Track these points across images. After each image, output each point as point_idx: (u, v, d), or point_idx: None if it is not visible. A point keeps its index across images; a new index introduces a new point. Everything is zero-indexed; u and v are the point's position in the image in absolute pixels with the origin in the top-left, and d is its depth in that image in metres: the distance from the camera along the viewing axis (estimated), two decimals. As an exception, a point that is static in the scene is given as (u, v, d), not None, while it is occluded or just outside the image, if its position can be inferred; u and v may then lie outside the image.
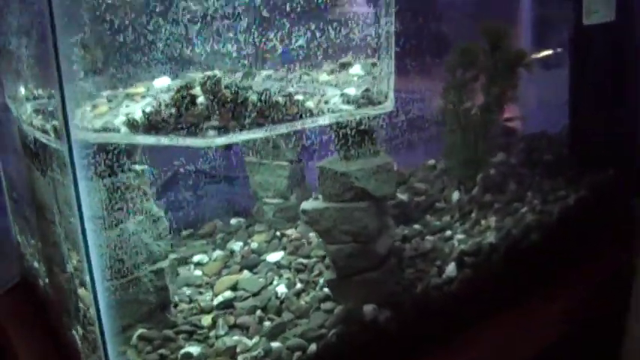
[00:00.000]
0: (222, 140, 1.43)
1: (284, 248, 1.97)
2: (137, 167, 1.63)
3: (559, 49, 2.47)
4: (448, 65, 2.06)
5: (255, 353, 1.55)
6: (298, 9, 1.60)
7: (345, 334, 1.63)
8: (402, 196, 2.13)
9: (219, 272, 1.88)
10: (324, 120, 1.54)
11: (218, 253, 1.97)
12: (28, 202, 1.81)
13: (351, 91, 1.61)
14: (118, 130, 1.48)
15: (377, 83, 1.63)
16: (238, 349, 1.57)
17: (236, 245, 2.00)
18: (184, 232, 2.09)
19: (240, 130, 1.44)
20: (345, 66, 1.74)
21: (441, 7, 2.31)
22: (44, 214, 1.65)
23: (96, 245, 1.40)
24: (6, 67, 1.75)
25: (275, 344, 1.59)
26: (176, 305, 1.74)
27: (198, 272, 1.90)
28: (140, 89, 1.69)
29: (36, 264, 1.88)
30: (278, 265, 1.89)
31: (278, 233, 2.04)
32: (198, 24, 1.62)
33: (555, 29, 2.52)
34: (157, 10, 1.56)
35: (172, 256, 1.70)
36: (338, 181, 1.61)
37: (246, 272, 1.87)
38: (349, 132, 1.58)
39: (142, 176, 1.63)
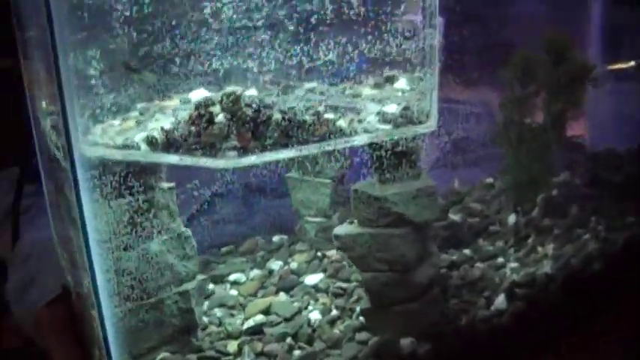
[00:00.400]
0: (241, 162, 1.29)
1: (324, 270, 1.81)
2: (164, 185, 1.51)
3: (632, 61, 2.24)
4: (506, 78, 1.86)
5: (280, 386, 1.42)
6: (342, 21, 1.46)
7: (379, 368, 1.49)
8: (455, 217, 1.94)
9: (255, 293, 1.74)
10: (358, 141, 1.38)
11: (256, 272, 1.84)
12: (59, 217, 1.72)
13: (391, 109, 1.44)
14: (138, 148, 1.36)
15: (420, 100, 1.46)
16: (263, 381, 1.44)
17: (275, 264, 1.86)
18: (224, 249, 1.96)
19: (262, 150, 1.30)
20: (389, 80, 1.58)
21: (500, 15, 2.12)
22: (67, 230, 1.55)
23: (102, 269, 1.28)
24: (33, 79, 1.65)
25: (303, 376, 1.45)
26: (205, 328, 1.61)
27: (234, 292, 1.76)
28: (174, 102, 1.56)
29: (69, 278, 1.79)
30: (316, 289, 1.74)
31: (319, 254, 1.89)
32: (239, 35, 1.49)
33: (628, 38, 2.29)
34: (194, 19, 1.44)
35: (200, 277, 1.57)
36: (373, 205, 1.45)
37: (282, 294, 1.72)
38: (385, 154, 1.42)
39: (168, 194, 1.51)
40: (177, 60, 1.47)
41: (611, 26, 2.28)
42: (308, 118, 1.33)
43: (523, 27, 2.31)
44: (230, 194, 1.97)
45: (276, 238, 1.99)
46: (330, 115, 1.36)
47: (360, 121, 1.39)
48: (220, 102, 1.30)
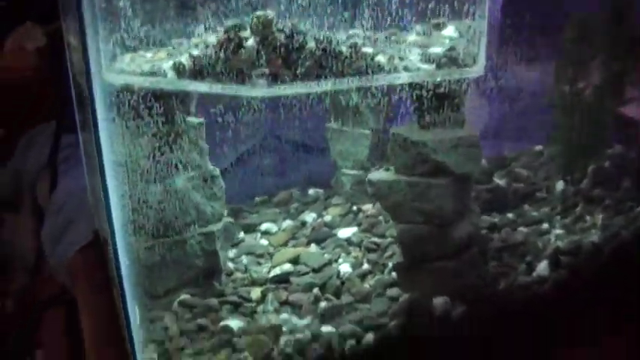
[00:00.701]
0: (270, 90, 1.17)
1: (359, 224, 1.69)
2: (193, 119, 1.41)
3: None
4: (563, 38, 1.71)
5: (300, 336, 1.30)
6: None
7: (408, 326, 1.35)
8: (500, 181, 1.80)
9: (286, 243, 1.63)
10: (398, 79, 1.25)
11: (288, 223, 1.73)
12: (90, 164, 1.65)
13: (435, 50, 1.32)
14: (164, 75, 1.26)
15: (467, 45, 1.33)
16: (284, 329, 1.32)
17: (309, 217, 1.75)
18: (258, 199, 1.86)
19: (293, 80, 1.18)
20: (437, 27, 1.45)
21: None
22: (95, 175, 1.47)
23: (118, 199, 1.18)
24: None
25: (327, 328, 1.33)
26: (230, 274, 1.51)
27: (264, 241, 1.66)
28: (211, 37, 1.47)
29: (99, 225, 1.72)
30: (348, 242, 1.62)
31: (354, 207, 1.76)
32: None
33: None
34: None
35: (227, 219, 1.47)
36: (411, 150, 1.32)
37: (313, 246, 1.62)
38: (426, 94, 1.29)
39: (197, 129, 1.41)
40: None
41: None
42: (344, 49, 1.21)
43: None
44: (268, 147, 1.89)
45: (311, 192, 1.88)
46: (368, 49, 1.24)
47: (401, 59, 1.26)
48: (251, 26, 1.19)
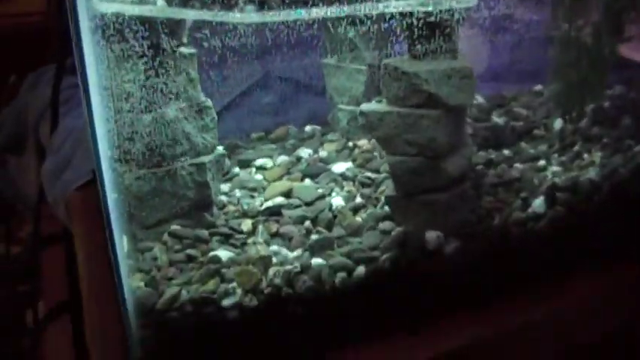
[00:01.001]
0: (259, 17, 1.12)
1: (354, 160, 1.64)
2: (184, 49, 1.36)
3: None
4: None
5: (290, 267, 1.27)
6: None
7: (400, 260, 1.31)
8: (498, 119, 1.75)
9: (280, 178, 1.59)
10: (389, 7, 1.20)
11: (283, 158, 1.68)
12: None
13: (429, -20, 1.26)
14: (154, 3, 1.21)
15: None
16: (274, 260, 1.29)
17: (304, 152, 1.70)
18: (255, 135, 1.81)
19: (283, 7, 1.13)
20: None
21: None
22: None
23: (102, 118, 1.14)
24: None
25: (317, 260, 1.29)
26: (223, 207, 1.47)
27: (259, 176, 1.62)
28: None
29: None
30: (343, 177, 1.57)
31: (350, 143, 1.72)
32: None
33: None
34: None
35: (219, 151, 1.43)
36: (403, 81, 1.27)
37: (307, 181, 1.57)
38: (417, 22, 1.23)
39: (189, 59, 1.36)
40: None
41: None
42: (335, -25, 1.16)
43: None
44: (267, 85, 1.84)
45: (308, 128, 1.84)
46: (360, -24, 1.18)
47: (393, -14, 1.21)
48: (239, -52, 1.14)
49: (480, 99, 1.84)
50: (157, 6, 1.21)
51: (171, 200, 1.36)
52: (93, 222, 1.60)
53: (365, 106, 1.33)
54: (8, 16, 2.59)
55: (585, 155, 1.61)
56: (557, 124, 1.72)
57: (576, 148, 1.64)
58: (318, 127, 1.83)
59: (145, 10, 1.22)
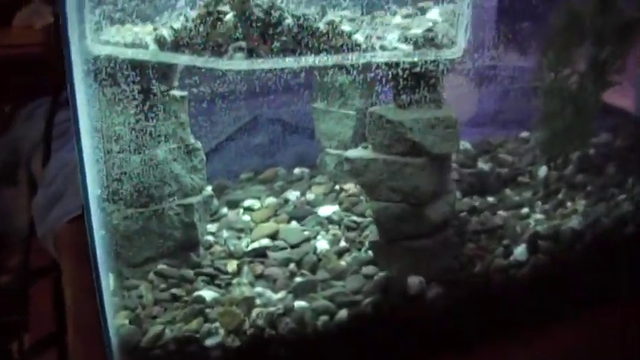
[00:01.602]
0: (248, 64, 1.17)
1: (340, 203, 1.67)
2: (176, 92, 1.40)
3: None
4: (550, 25, 1.68)
5: (273, 309, 1.30)
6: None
7: (382, 304, 1.34)
8: (484, 166, 1.79)
9: (267, 219, 1.62)
10: (375, 57, 1.24)
11: (271, 200, 1.71)
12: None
13: (414, 31, 1.30)
14: (146, 46, 1.25)
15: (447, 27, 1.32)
16: (258, 302, 1.32)
17: (292, 195, 1.73)
18: (244, 176, 1.84)
19: (272, 55, 1.17)
20: (422, 10, 1.44)
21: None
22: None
23: (92, 158, 1.18)
24: None
25: (300, 303, 1.32)
26: (209, 247, 1.50)
27: (246, 217, 1.65)
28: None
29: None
30: (329, 220, 1.61)
31: (337, 187, 1.75)
32: None
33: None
34: None
35: (207, 192, 1.46)
36: (388, 129, 1.31)
37: (293, 223, 1.61)
38: (402, 73, 1.27)
39: (180, 102, 1.40)
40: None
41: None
42: (322, 26, 1.20)
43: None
44: (258, 127, 1.88)
45: (297, 171, 1.86)
46: (346, 27, 1.23)
47: (378, 38, 1.25)
48: (229, 0, 1.18)
49: (466, 145, 1.89)
50: (150, 50, 1.25)
51: (159, 240, 1.39)
52: (81, 257, 1.62)
53: (350, 153, 1.37)
54: (3, 47, 2.63)
55: (569, 203, 1.65)
56: (542, 171, 1.76)
57: (560, 195, 1.68)
58: (307, 170, 1.86)
59: (137, 54, 1.27)
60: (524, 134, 1.99)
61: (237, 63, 1.16)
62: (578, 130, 1.73)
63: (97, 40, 1.28)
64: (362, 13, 1.46)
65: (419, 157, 1.32)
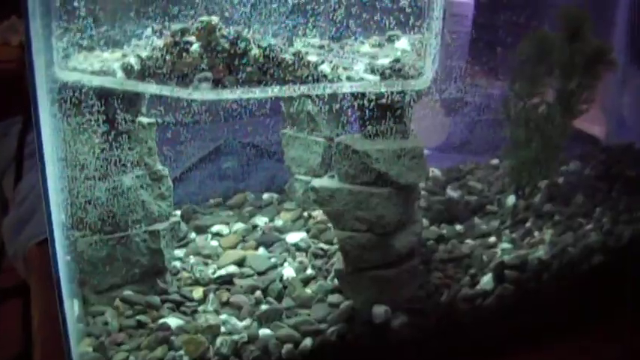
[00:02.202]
0: (213, 94, 1.20)
1: (308, 230, 1.71)
2: (144, 119, 1.43)
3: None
4: (518, 54, 1.73)
5: (237, 337, 1.32)
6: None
7: (346, 333, 1.37)
8: (453, 193, 1.83)
9: (235, 246, 1.65)
10: (341, 88, 1.28)
11: (239, 225, 1.74)
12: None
13: (381, 61, 1.34)
14: (114, 74, 1.28)
15: (415, 57, 1.36)
16: (222, 329, 1.34)
17: (260, 220, 1.77)
18: (212, 201, 1.87)
19: (237, 85, 1.21)
20: (391, 39, 1.48)
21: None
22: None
23: (56, 188, 1.20)
24: None
25: (264, 331, 1.35)
26: (176, 273, 1.53)
27: (214, 243, 1.68)
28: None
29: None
30: (296, 247, 1.64)
31: (305, 213, 1.79)
32: None
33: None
34: None
35: (174, 219, 1.49)
36: (354, 159, 1.34)
37: (261, 249, 1.64)
38: (368, 104, 1.31)
39: (148, 129, 1.43)
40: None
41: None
42: (288, 57, 1.23)
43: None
44: (228, 151, 1.91)
45: (266, 196, 1.90)
46: (312, 58, 1.26)
47: (345, 69, 1.29)
48: (198, 31, 1.22)
49: (436, 171, 1.93)
50: (117, 78, 1.27)
51: (125, 266, 1.42)
52: (48, 282, 1.65)
53: (316, 182, 1.40)
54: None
55: (536, 233, 1.69)
56: (510, 200, 1.81)
57: (528, 224, 1.73)
58: (276, 195, 1.90)
59: (104, 82, 1.30)
60: (495, 161, 2.05)
61: (203, 93, 1.19)
62: (547, 160, 1.77)
63: (65, 66, 1.31)
64: (330, 41, 1.53)
65: (385, 187, 1.36)
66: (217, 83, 1.19)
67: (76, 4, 1.27)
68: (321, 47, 1.51)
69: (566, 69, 1.69)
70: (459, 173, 1.98)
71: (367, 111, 1.31)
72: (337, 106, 1.36)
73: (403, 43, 1.46)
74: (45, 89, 1.23)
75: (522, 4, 2.23)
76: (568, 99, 1.71)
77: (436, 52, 1.39)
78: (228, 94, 1.20)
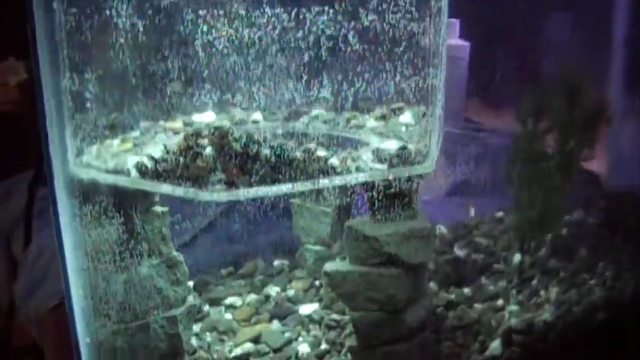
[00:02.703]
0: (227, 196, 1.26)
1: (320, 299, 1.77)
2: (158, 209, 1.49)
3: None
4: (520, 113, 1.79)
5: (256, 421, 1.39)
6: (352, 51, 1.44)
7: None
8: (460, 252, 1.89)
9: (249, 318, 1.71)
10: (351, 180, 1.34)
11: (252, 297, 1.80)
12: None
13: (389, 145, 1.41)
14: (128, 174, 1.34)
15: (420, 139, 1.43)
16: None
17: (272, 290, 1.83)
18: (224, 271, 1.93)
19: (250, 185, 1.27)
20: (395, 112, 1.55)
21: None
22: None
23: (80, 287, 1.28)
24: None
25: (283, 410, 1.42)
26: (194, 352, 1.58)
27: (228, 315, 1.74)
28: (177, 124, 1.55)
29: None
30: (309, 319, 1.70)
31: (317, 282, 1.84)
32: (246, 57, 1.48)
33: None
34: (201, 38, 1.43)
35: (190, 302, 1.54)
36: (365, 244, 1.41)
37: (275, 322, 1.69)
38: (377, 195, 1.38)
39: (161, 218, 1.49)
40: (183, 80, 1.47)
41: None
42: (298, 154, 1.30)
43: (553, 51, 2.27)
44: (236, 214, 1.96)
45: (276, 263, 1.96)
46: (322, 153, 1.32)
47: (353, 160, 1.35)
48: (211, 136, 1.28)
49: (442, 229, 1.99)
50: (131, 178, 1.33)
51: (144, 352, 1.46)
52: (62, 350, 1.71)
53: (328, 266, 1.46)
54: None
55: (542, 292, 1.74)
56: (516, 258, 1.87)
57: (534, 282, 1.78)
58: (286, 262, 1.95)
59: (119, 180, 1.35)
60: (499, 214, 2.12)
61: (217, 195, 1.25)
62: (550, 217, 1.82)
63: (79, 162, 1.37)
64: (335, 114, 1.60)
65: (395, 267, 1.42)
66: (231, 185, 1.25)
67: (86, 96, 1.34)
68: (326, 122, 1.59)
69: (566, 128, 1.75)
70: (464, 230, 2.05)
71: (376, 202, 1.38)
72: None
73: (407, 117, 1.53)
74: (62, 184, 1.30)
75: (517, 42, 2.32)
76: (569, 158, 1.76)
77: (440, 135, 1.46)
78: (242, 195, 1.26)
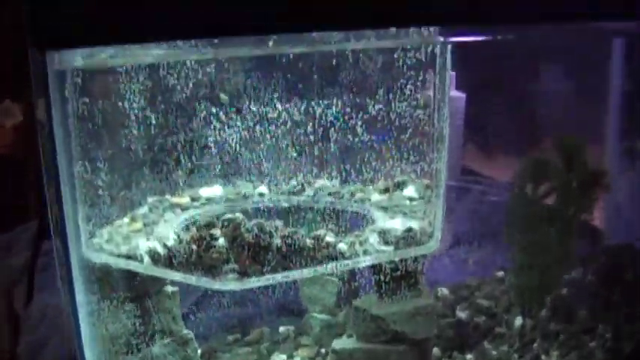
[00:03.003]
0: (240, 285, 1.31)
1: (326, 369, 1.83)
2: (169, 289, 1.54)
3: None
4: (516, 179, 1.86)
5: None
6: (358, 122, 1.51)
7: None
8: (462, 314, 1.94)
9: (257, 389, 1.76)
10: (359, 263, 1.40)
11: (259, 366, 1.86)
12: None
13: (394, 224, 1.47)
14: (141, 260, 1.40)
15: (424, 216, 1.49)
16: None
17: (279, 358, 1.85)
18: (231, 337, 1.96)
19: (261, 274, 1.32)
20: (399, 185, 1.61)
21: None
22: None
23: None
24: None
25: None
26: None
27: (236, 387, 1.79)
28: (184, 199, 1.60)
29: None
30: (317, 392, 1.75)
31: (323, 350, 1.87)
32: (251, 131, 1.54)
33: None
34: (206, 113, 1.49)
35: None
36: (372, 322, 1.47)
37: (283, 394, 1.74)
38: (384, 278, 1.44)
39: (172, 298, 1.54)
40: (188, 155, 1.52)
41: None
42: (308, 242, 1.35)
43: (549, 103, 2.33)
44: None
45: (282, 329, 1.98)
46: (330, 239, 1.38)
47: (361, 244, 1.41)
48: (223, 227, 1.33)
49: (444, 291, 2.04)
50: (144, 264, 1.39)
51: None
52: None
53: (336, 344, 1.51)
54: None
55: (543, 357, 1.79)
56: (518, 321, 1.91)
57: (535, 346, 1.83)
58: (292, 328, 1.98)
59: (131, 265, 1.41)
60: (500, 273, 2.16)
61: (229, 284, 1.31)
62: (550, 279, 1.88)
63: (92, 246, 1.42)
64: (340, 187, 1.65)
65: (400, 343, 1.47)
66: (243, 274, 1.31)
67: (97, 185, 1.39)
68: (330, 194, 1.65)
69: (564, 195, 1.81)
70: (466, 290, 2.08)
71: (383, 284, 1.43)
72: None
73: (411, 190, 1.59)
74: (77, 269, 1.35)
75: (513, 92, 2.37)
76: (567, 224, 1.82)
77: (444, 214, 1.52)
78: (253, 283, 1.31)
